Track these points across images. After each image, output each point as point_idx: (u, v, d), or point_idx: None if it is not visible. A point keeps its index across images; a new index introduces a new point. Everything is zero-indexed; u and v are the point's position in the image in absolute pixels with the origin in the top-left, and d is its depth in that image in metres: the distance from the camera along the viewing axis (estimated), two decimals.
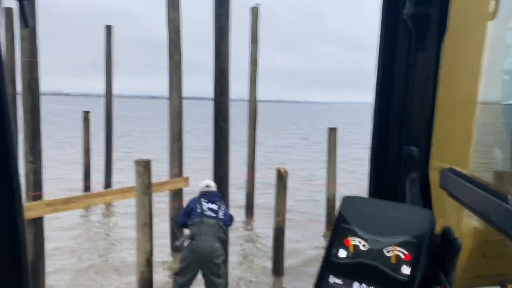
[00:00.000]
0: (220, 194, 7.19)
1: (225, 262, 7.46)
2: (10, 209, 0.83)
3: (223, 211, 6.86)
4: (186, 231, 6.99)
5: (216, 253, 6.57)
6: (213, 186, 7.15)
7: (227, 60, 7.14)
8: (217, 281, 6.67)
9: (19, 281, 0.86)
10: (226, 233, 6.91)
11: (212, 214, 6.71)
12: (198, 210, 6.71)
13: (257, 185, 14.81)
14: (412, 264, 0.74)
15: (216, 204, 6.85)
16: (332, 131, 12.61)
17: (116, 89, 17.89)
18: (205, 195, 6.97)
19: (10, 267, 0.85)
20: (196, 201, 6.93)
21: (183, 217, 6.93)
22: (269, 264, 9.75)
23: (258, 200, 14.68)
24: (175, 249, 6.94)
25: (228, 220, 6.98)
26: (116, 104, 18.25)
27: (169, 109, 10.51)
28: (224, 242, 7.37)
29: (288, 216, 9.99)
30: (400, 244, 0.76)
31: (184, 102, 10.75)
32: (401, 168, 0.99)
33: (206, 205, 6.77)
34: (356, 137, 41.08)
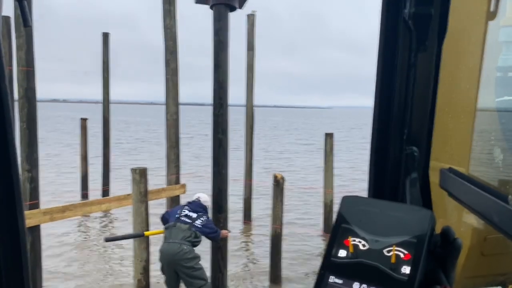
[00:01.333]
0: (206, 207, 7.24)
1: (222, 267, 7.45)
2: (11, 214, 0.83)
3: (202, 222, 6.91)
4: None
5: (184, 255, 6.60)
6: (203, 200, 7.23)
7: (226, 73, 7.20)
8: (195, 282, 6.72)
9: (20, 286, 0.85)
10: (200, 239, 6.93)
11: (187, 220, 6.85)
12: (176, 215, 6.91)
13: (254, 191, 14.82)
14: (412, 264, 0.73)
15: (197, 214, 6.94)
16: (329, 137, 12.63)
17: (114, 95, 17.92)
18: (190, 204, 7.14)
19: (11, 272, 0.84)
20: (180, 207, 7.17)
21: (164, 215, 7.21)
22: (266, 270, 9.71)
23: (255, 206, 14.68)
24: (106, 241, 7.20)
25: (209, 232, 6.97)
26: (114, 110, 18.27)
27: (165, 116, 10.53)
28: (221, 249, 7.39)
29: (285, 222, 9.98)
30: (400, 244, 0.76)
31: (183, 107, 10.77)
32: (401, 168, 0.99)
33: (185, 212, 6.93)
34: (347, 143, 41.25)
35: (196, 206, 7.08)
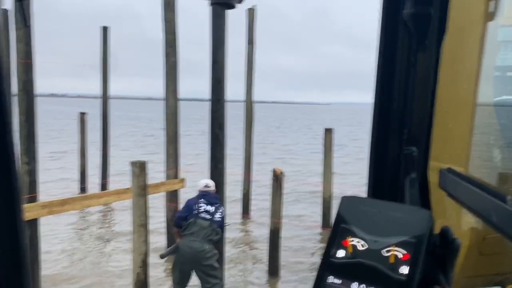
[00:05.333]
0: (219, 197, 7.17)
1: (220, 262, 7.47)
2: (10, 209, 0.83)
3: (221, 214, 6.83)
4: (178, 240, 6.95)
5: (205, 254, 6.53)
6: (212, 186, 7.08)
7: (223, 70, 7.27)
8: (212, 281, 6.66)
9: (19, 282, 0.85)
10: (220, 235, 6.91)
11: (207, 216, 6.68)
12: (194, 211, 6.69)
13: (253, 185, 14.83)
14: (411, 264, 0.74)
15: (214, 206, 6.80)
16: (328, 132, 12.63)
17: (113, 90, 17.85)
18: (205, 195, 6.90)
19: (11, 268, 0.84)
20: (194, 201, 6.87)
21: (181, 217, 6.86)
22: (265, 264, 9.75)
23: (254, 200, 14.69)
24: (161, 257, 7.03)
25: (223, 224, 6.97)
26: (113, 105, 18.23)
27: (164, 111, 10.52)
28: (220, 243, 7.39)
29: (284, 216, 10.01)
30: (399, 244, 0.76)
31: (181, 103, 10.76)
32: (400, 168, 0.99)
33: (203, 207, 6.72)
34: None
35: (212, 198, 6.91)
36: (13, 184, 0.83)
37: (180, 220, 6.82)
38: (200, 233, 6.54)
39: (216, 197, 7.03)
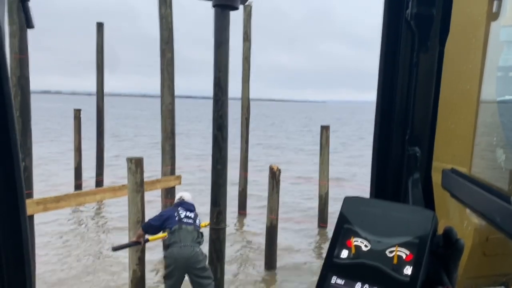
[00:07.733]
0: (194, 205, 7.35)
1: (220, 260, 7.49)
2: (12, 206, 0.82)
3: (199, 220, 7.05)
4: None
5: (198, 258, 6.65)
6: (187, 198, 7.28)
7: (225, 71, 7.27)
8: (204, 282, 6.74)
9: (22, 277, 0.85)
10: (203, 236, 7.07)
11: (189, 221, 6.84)
12: (176, 218, 6.80)
13: (250, 182, 14.84)
14: (414, 265, 0.73)
15: (193, 213, 7.00)
16: (325, 129, 12.63)
17: (108, 87, 17.74)
18: (182, 204, 7.10)
19: (13, 263, 0.84)
20: (173, 210, 7.05)
21: (152, 225, 6.89)
22: (262, 261, 9.77)
23: (251, 197, 14.71)
24: (114, 250, 7.28)
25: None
26: (108, 102, 18.14)
27: (161, 107, 10.50)
28: (219, 241, 7.45)
29: (281, 213, 10.03)
30: (402, 245, 0.76)
31: (178, 100, 10.74)
32: (403, 169, 0.99)
33: (183, 213, 6.89)
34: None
35: (189, 205, 7.11)
36: (16, 181, 0.82)
37: (149, 227, 6.92)
38: (188, 237, 6.65)
39: (192, 204, 7.20)
